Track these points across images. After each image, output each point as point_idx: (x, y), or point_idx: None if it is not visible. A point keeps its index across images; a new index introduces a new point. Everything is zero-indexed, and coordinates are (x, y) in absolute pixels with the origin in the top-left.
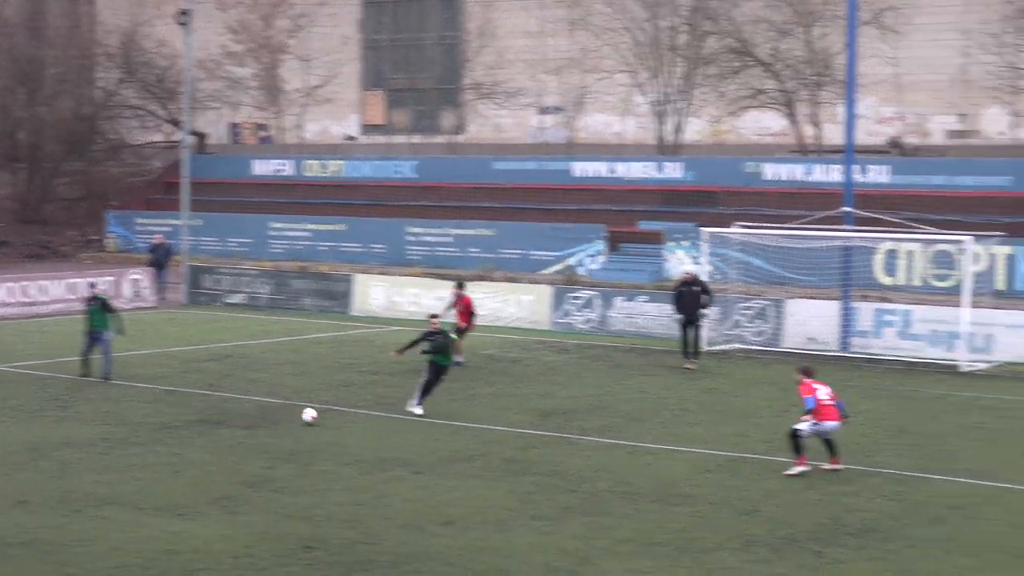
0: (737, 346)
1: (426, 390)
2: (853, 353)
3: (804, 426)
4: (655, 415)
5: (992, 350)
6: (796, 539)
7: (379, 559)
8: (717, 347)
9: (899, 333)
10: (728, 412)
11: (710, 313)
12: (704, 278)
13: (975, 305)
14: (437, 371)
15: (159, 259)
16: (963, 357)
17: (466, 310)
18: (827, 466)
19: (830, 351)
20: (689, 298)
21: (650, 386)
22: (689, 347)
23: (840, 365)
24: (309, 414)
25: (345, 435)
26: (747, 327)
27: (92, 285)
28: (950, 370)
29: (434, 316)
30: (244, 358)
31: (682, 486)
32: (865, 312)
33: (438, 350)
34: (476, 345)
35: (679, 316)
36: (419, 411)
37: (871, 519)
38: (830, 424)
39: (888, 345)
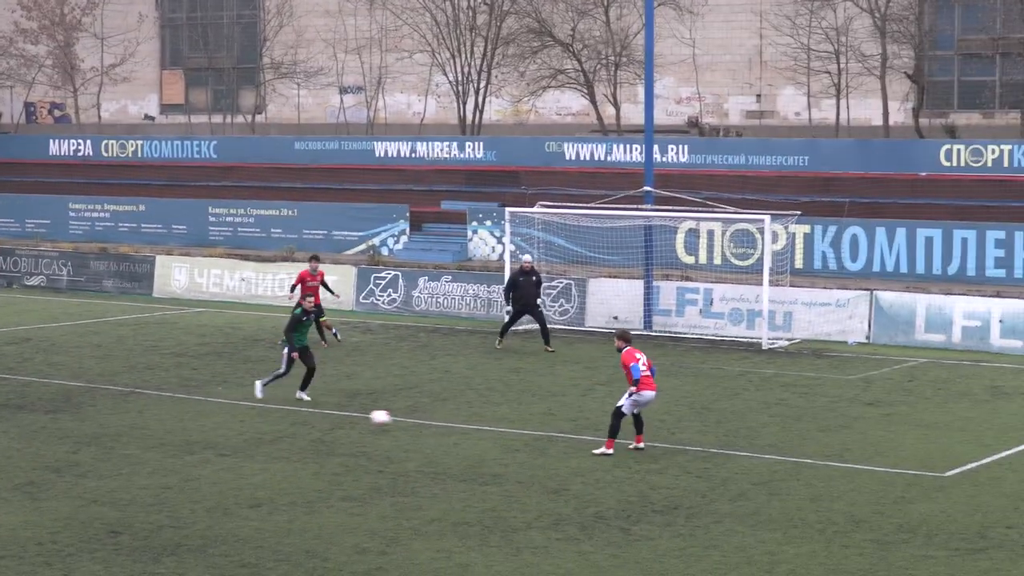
0: None
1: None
2: (656, 332)
3: (626, 404)
4: (461, 395)
5: (792, 328)
6: (604, 517)
7: (187, 543)
8: (522, 327)
9: (701, 311)
10: (534, 391)
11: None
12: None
13: (774, 283)
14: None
15: None
16: (764, 335)
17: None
18: (632, 446)
19: (633, 330)
20: (527, 287)
21: (455, 366)
22: (543, 334)
23: (643, 344)
24: (380, 417)
25: (149, 418)
26: (551, 306)
27: None
28: (751, 348)
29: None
30: (45, 341)
31: (490, 465)
32: (667, 291)
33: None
34: (280, 327)
35: (511, 305)
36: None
37: (677, 496)
38: (649, 394)
39: (690, 323)
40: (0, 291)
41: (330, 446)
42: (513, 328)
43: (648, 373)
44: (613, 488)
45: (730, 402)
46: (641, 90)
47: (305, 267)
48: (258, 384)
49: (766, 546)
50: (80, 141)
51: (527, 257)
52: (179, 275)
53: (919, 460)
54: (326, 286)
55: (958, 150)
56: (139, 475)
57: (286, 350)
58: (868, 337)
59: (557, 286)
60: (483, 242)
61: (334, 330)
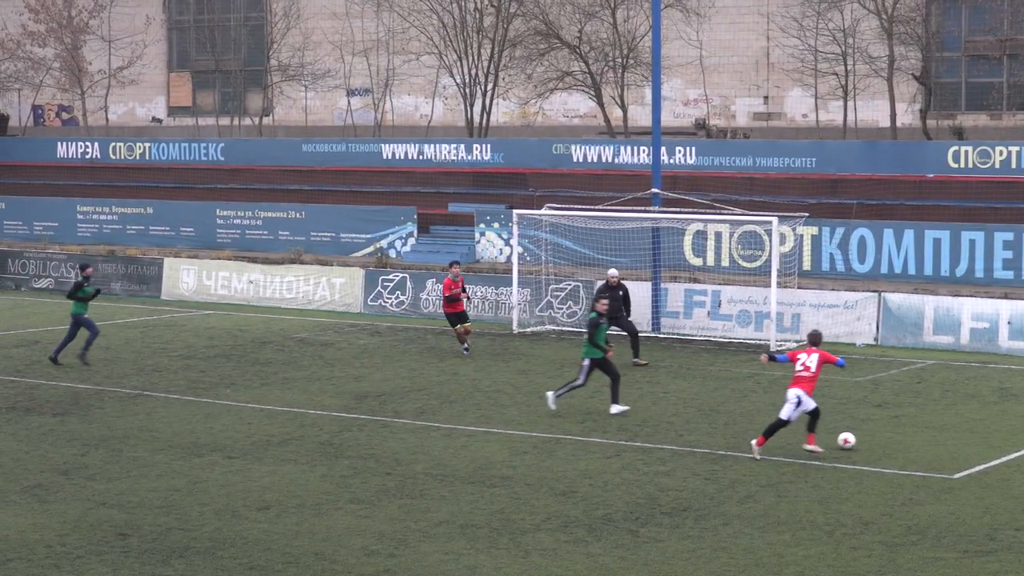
0: (549, 327)
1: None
2: (664, 334)
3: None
4: (469, 397)
5: (800, 330)
6: (612, 519)
7: (195, 545)
8: (529, 329)
9: (709, 313)
10: (542, 393)
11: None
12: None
13: (782, 285)
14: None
15: None
16: (772, 337)
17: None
18: (809, 447)
19: (641, 332)
20: (613, 301)
21: (463, 368)
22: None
23: (651, 346)
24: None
25: (157, 420)
26: (559, 308)
27: None
28: (759, 349)
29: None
30: (53, 344)
31: (498, 467)
32: (675, 293)
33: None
34: (288, 329)
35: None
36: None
37: (685, 498)
38: (791, 392)
39: (698, 325)
40: (8, 294)
41: (338, 448)
42: (522, 330)
43: (805, 373)
44: (621, 490)
45: (739, 404)
46: (648, 92)
47: (447, 275)
48: (550, 395)
49: (774, 548)
50: (88, 144)
51: (613, 272)
52: (187, 277)
53: (927, 462)
54: (464, 292)
55: (966, 151)
56: (147, 477)
57: (586, 361)
58: (876, 339)
59: (565, 288)
60: (491, 244)
61: (465, 345)
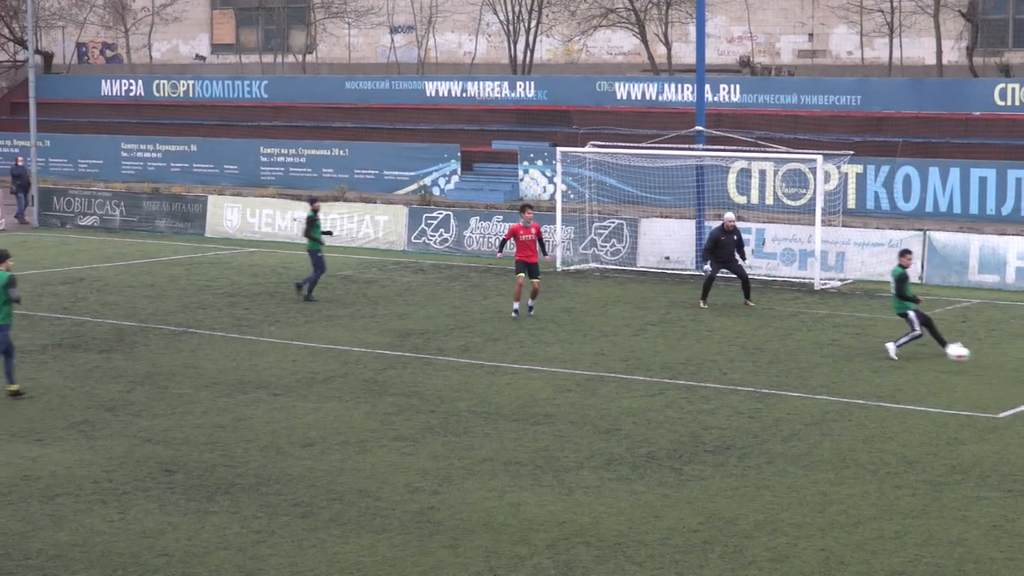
0: (593, 265)
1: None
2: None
3: None
4: (513, 335)
5: (844, 268)
6: (656, 457)
7: (240, 482)
8: (573, 267)
9: (753, 252)
10: (586, 331)
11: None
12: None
13: (827, 224)
14: None
15: (25, 181)
16: (816, 275)
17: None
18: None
19: (685, 270)
20: (727, 245)
21: (507, 306)
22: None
23: (696, 283)
24: (957, 351)
25: (202, 358)
26: (603, 246)
27: None
28: (804, 288)
29: None
30: (98, 281)
31: (542, 405)
32: None
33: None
34: (332, 267)
35: (710, 264)
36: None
37: (729, 436)
38: None
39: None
40: (54, 231)
41: (382, 386)
42: (566, 268)
43: None
44: (665, 428)
45: (782, 342)
46: (692, 29)
47: (517, 221)
48: (891, 346)
49: (818, 486)
50: (132, 81)
51: (729, 215)
52: (231, 215)
53: (972, 401)
54: (542, 245)
55: (1012, 89)
56: (192, 414)
57: (911, 313)
58: (921, 278)
59: (608, 226)
60: (534, 182)
61: (524, 305)
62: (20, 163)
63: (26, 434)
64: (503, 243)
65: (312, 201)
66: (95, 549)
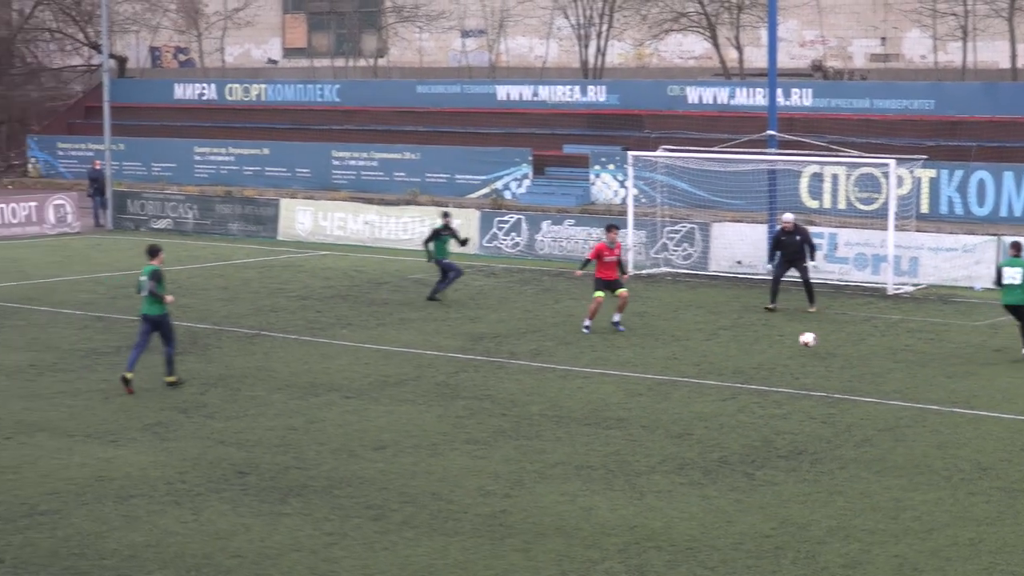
0: (665, 269)
1: None
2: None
3: None
4: (585, 339)
5: (917, 273)
6: (728, 461)
7: (313, 484)
8: (645, 271)
9: (825, 256)
10: (657, 335)
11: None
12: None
13: (900, 228)
14: None
15: (101, 184)
16: (889, 280)
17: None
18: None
19: (757, 274)
20: (790, 245)
21: (578, 310)
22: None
23: (766, 288)
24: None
25: (274, 360)
26: (674, 251)
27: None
28: (876, 293)
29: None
30: (172, 284)
31: (613, 409)
32: None
33: None
34: (404, 270)
35: (772, 263)
36: None
37: (801, 441)
38: None
39: (814, 268)
40: (128, 234)
41: (454, 389)
42: (638, 272)
43: None
44: (737, 433)
45: (855, 348)
46: (764, 33)
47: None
48: None
49: (891, 492)
50: (204, 85)
51: (787, 216)
52: (303, 218)
53: None
54: (621, 265)
55: None
56: (265, 416)
57: None
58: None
59: (680, 230)
60: (606, 186)
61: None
62: (98, 167)
63: (101, 435)
64: (586, 262)
65: (445, 215)
66: (169, 550)
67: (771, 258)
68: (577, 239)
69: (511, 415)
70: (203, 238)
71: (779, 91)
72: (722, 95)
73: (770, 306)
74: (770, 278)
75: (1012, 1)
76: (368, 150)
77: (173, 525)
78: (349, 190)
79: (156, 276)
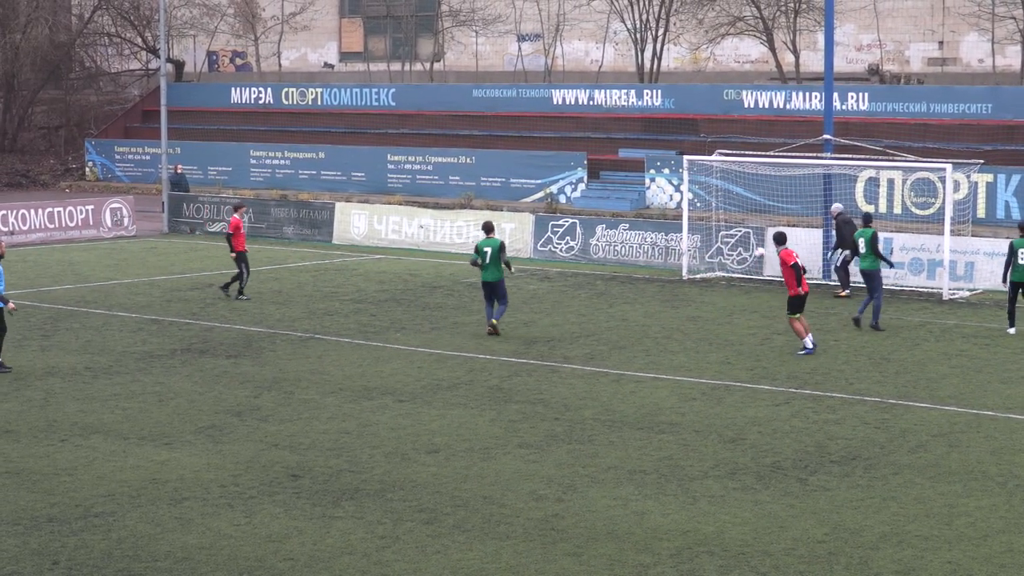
0: (719, 274)
1: None
2: (834, 281)
3: None
4: (638, 343)
5: (973, 278)
6: (781, 467)
7: (365, 487)
8: (699, 275)
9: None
10: (711, 340)
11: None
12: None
13: (956, 233)
14: None
15: (184, 188)
16: (945, 285)
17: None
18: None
19: (812, 279)
20: (844, 234)
21: (632, 314)
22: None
23: (822, 293)
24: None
25: (328, 364)
26: (729, 255)
27: None
28: (932, 298)
29: None
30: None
31: (667, 414)
32: None
33: None
34: (458, 273)
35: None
36: None
37: (855, 447)
38: None
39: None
40: (183, 237)
41: (507, 393)
42: (692, 276)
43: None
44: (790, 438)
45: (910, 352)
46: (821, 37)
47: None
48: None
49: (945, 498)
50: (261, 89)
51: (836, 206)
52: (358, 222)
53: None
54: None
55: None
56: (318, 420)
57: None
58: None
59: (735, 235)
60: (661, 190)
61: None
62: (179, 170)
63: (155, 438)
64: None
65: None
66: (222, 552)
67: (1004, 277)
68: (631, 243)
69: (564, 419)
70: (258, 241)
71: (835, 95)
72: (778, 99)
73: (843, 293)
74: (834, 283)
75: None
76: (423, 154)
77: (226, 528)
78: (404, 194)
79: (503, 247)
